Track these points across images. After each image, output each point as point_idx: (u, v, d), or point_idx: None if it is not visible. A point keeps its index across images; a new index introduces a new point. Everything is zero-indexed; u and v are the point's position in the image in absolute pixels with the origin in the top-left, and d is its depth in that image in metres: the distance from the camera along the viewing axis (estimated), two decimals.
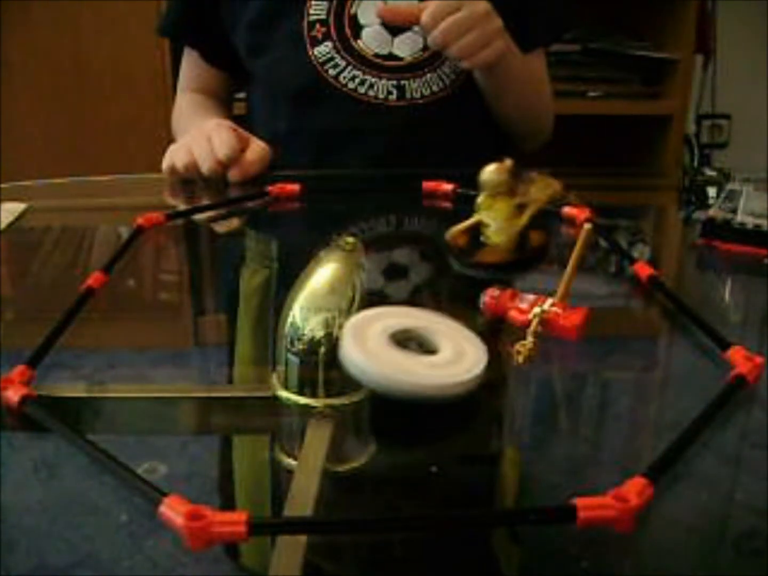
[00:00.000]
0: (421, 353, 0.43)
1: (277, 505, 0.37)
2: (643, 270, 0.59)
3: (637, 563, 0.35)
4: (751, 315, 0.63)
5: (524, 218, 0.66)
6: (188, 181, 0.86)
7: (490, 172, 0.66)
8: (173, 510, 0.32)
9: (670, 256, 0.77)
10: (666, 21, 1.87)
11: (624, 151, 2.02)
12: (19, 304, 0.66)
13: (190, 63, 1.12)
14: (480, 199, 0.66)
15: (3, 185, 0.86)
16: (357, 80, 0.97)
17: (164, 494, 0.33)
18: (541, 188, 0.69)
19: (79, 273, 0.59)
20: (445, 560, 0.34)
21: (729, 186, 0.74)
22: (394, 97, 0.97)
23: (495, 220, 0.66)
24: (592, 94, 1.84)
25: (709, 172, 0.85)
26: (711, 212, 0.70)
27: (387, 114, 0.98)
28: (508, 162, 0.66)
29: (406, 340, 0.44)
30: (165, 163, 0.89)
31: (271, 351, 0.45)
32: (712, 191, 0.82)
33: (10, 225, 0.75)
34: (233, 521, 0.31)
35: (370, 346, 0.41)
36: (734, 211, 0.69)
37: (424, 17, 0.86)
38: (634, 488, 0.34)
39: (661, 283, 0.58)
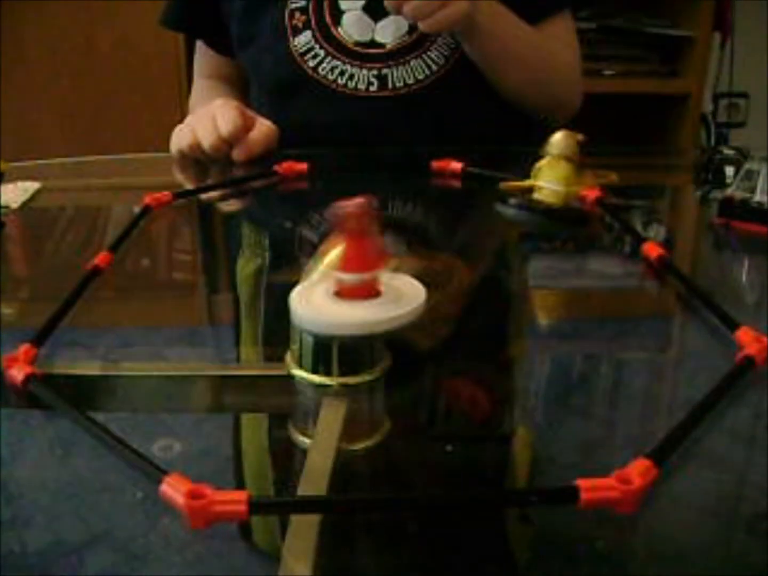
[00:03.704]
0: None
1: (288, 485, 0.38)
2: (653, 250, 0.59)
3: (649, 543, 0.35)
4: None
5: (580, 187, 0.68)
6: (200, 160, 0.86)
7: (561, 135, 0.68)
8: (174, 489, 0.32)
9: (686, 235, 0.77)
10: None
11: (640, 130, 2.00)
12: (34, 283, 0.67)
13: (201, 50, 1.12)
14: (542, 163, 0.68)
15: (17, 164, 0.86)
16: (336, 71, 0.94)
17: (165, 473, 0.33)
18: (600, 175, 0.72)
19: (94, 252, 0.59)
20: (456, 541, 0.34)
21: (747, 165, 0.73)
22: (375, 87, 0.94)
23: (552, 182, 0.68)
24: (608, 72, 1.82)
25: (727, 151, 0.84)
26: (729, 191, 0.69)
27: (368, 106, 0.95)
28: (580, 135, 0.69)
29: None
30: (172, 145, 0.89)
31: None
32: (729, 170, 0.81)
33: (24, 204, 0.75)
34: (234, 500, 0.31)
35: (316, 302, 0.43)
36: (752, 190, 0.68)
37: None
38: (638, 470, 0.33)
39: (671, 263, 0.57)
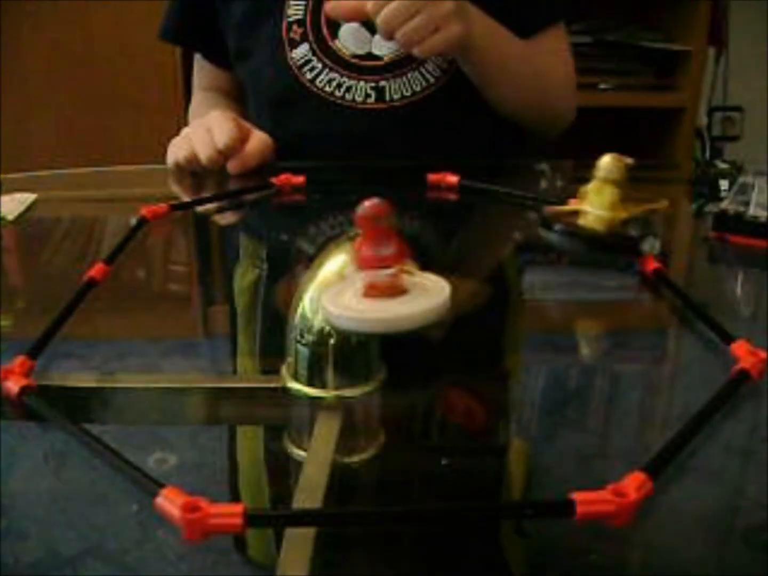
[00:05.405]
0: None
1: (283, 497, 0.37)
2: (649, 264, 0.59)
3: (646, 556, 0.35)
4: (763, 309, 0.62)
5: (627, 212, 0.64)
6: (197, 172, 0.87)
7: (608, 158, 0.65)
8: (170, 501, 0.32)
9: (681, 249, 0.77)
10: (679, 13, 1.85)
11: (635, 144, 2.00)
12: (30, 294, 0.66)
13: (199, 63, 1.12)
14: (588, 186, 0.65)
15: (13, 175, 0.86)
16: (334, 83, 0.94)
17: (161, 486, 0.33)
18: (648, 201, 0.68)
19: (90, 263, 0.59)
20: (452, 553, 0.34)
21: (741, 179, 0.74)
22: (372, 99, 0.94)
23: (598, 207, 0.64)
24: (603, 86, 1.83)
25: (722, 165, 0.85)
26: (723, 205, 0.70)
27: (365, 118, 0.95)
28: (628, 159, 0.66)
29: None
30: (168, 157, 0.89)
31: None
32: (724, 184, 0.82)
33: (21, 215, 0.75)
34: (230, 513, 0.31)
35: (348, 303, 0.42)
36: (747, 204, 0.69)
37: (369, 7, 0.80)
38: (633, 483, 0.33)
39: (666, 278, 0.57)
